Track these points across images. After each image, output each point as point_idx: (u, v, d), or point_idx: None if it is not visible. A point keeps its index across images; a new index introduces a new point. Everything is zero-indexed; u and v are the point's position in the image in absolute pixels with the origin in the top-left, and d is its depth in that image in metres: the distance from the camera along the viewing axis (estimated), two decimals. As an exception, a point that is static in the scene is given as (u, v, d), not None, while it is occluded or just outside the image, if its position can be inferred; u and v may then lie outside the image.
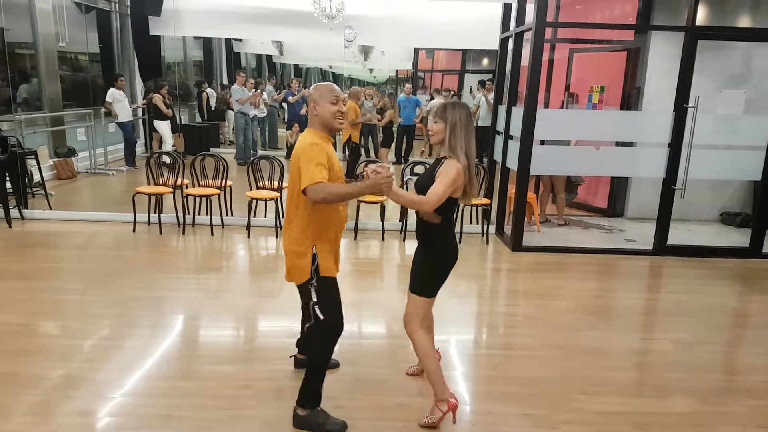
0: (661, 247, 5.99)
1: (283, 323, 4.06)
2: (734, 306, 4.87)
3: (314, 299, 2.71)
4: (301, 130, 11.60)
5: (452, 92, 11.62)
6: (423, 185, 2.77)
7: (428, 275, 2.85)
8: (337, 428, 2.79)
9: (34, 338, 3.72)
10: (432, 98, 12.38)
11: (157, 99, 9.82)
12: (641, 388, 3.43)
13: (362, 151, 10.35)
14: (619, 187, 7.70)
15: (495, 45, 7.14)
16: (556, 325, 4.22)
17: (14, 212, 6.42)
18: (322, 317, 2.71)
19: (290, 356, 3.39)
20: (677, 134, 5.72)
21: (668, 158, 5.80)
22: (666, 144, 5.80)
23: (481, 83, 12.08)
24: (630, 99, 7.51)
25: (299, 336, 3.35)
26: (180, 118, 10.35)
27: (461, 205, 5.00)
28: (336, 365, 3.40)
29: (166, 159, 6.81)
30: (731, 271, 5.65)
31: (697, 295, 4.98)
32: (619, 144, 6.62)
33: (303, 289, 2.78)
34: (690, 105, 5.62)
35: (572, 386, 3.34)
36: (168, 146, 9.89)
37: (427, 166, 2.97)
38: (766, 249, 6.04)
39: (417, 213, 2.88)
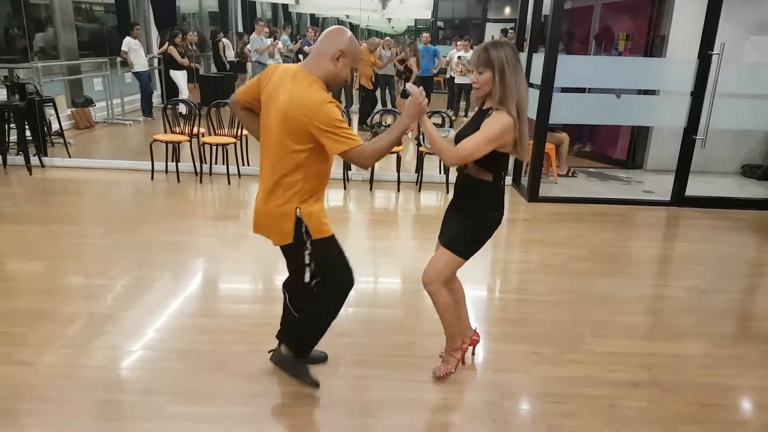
0: (679, 198, 5.93)
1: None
2: (750, 256, 4.84)
3: (311, 265, 2.45)
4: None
5: (469, 38, 11.32)
6: (463, 136, 2.42)
7: (471, 236, 2.56)
8: (311, 381, 2.65)
9: (61, 278, 3.84)
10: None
11: (172, 50, 9.76)
12: (651, 332, 3.47)
13: (377, 99, 10.25)
14: (639, 139, 7.57)
15: (515, -9, 6.94)
16: (570, 272, 4.24)
17: (34, 160, 6.52)
18: (326, 279, 2.49)
19: (269, 351, 2.82)
20: (700, 82, 5.57)
21: (690, 107, 5.67)
22: (689, 92, 5.67)
23: (504, 32, 11.80)
24: (654, 47, 7.30)
25: (279, 327, 2.88)
26: (195, 68, 10.29)
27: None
28: (324, 358, 2.95)
29: (183, 109, 6.83)
30: (749, 222, 5.59)
31: (712, 245, 4.95)
32: (641, 92, 6.48)
33: (291, 254, 2.51)
34: (715, 52, 5.45)
35: (582, 329, 3.39)
36: (184, 96, 9.89)
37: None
38: (786, 201, 5.95)
39: (463, 171, 2.56)
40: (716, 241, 5.04)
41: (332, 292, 2.55)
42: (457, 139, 2.48)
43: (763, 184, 6.50)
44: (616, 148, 8.09)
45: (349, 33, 2.36)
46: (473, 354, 3.00)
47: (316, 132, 2.22)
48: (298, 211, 2.37)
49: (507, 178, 6.46)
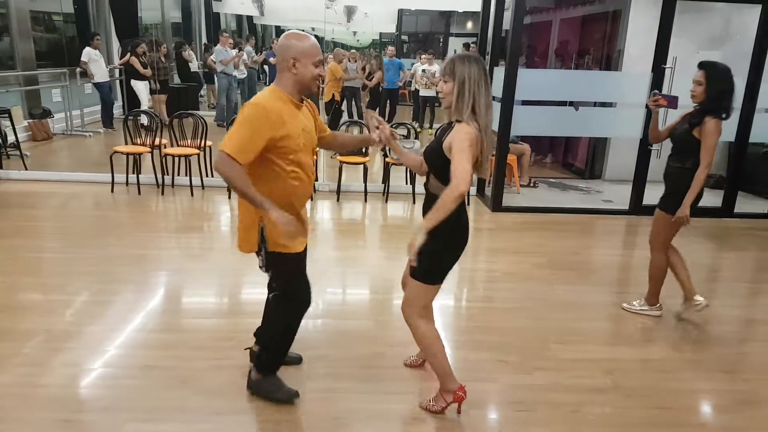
0: (637, 207, 6.10)
1: (264, 280, 4.08)
2: (706, 262, 5.01)
3: (270, 274, 2.50)
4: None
5: (432, 52, 11.48)
6: (429, 149, 2.45)
7: (436, 259, 2.42)
8: (286, 397, 2.64)
9: (17, 294, 3.71)
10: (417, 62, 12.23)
11: (134, 60, 9.62)
12: (613, 337, 3.55)
13: (344, 113, 10.28)
14: (597, 149, 7.78)
15: (478, 7, 7.07)
16: (533, 280, 4.31)
17: (-11, 173, 6.32)
18: (280, 293, 2.53)
19: (245, 348, 2.92)
20: (656, 95, 5.76)
21: (645, 118, 5.86)
22: (644, 104, 5.85)
23: (466, 46, 12.00)
24: (611, 61, 7.53)
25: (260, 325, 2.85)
26: (155, 80, 10.17)
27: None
28: (298, 360, 2.99)
29: (144, 120, 6.72)
30: (704, 230, 5.79)
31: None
32: (598, 105, 6.68)
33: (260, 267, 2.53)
34: (668, 66, 5.66)
35: (547, 336, 3.44)
36: (144, 105, 9.73)
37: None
38: (738, 209, 6.19)
39: (427, 187, 2.50)
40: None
41: (286, 308, 2.57)
42: (426, 155, 2.48)
43: (717, 192, 6.73)
44: (576, 158, 8.30)
45: (294, 33, 2.33)
46: (459, 413, 2.66)
47: None
48: (261, 221, 2.37)
49: (471, 188, 6.58)
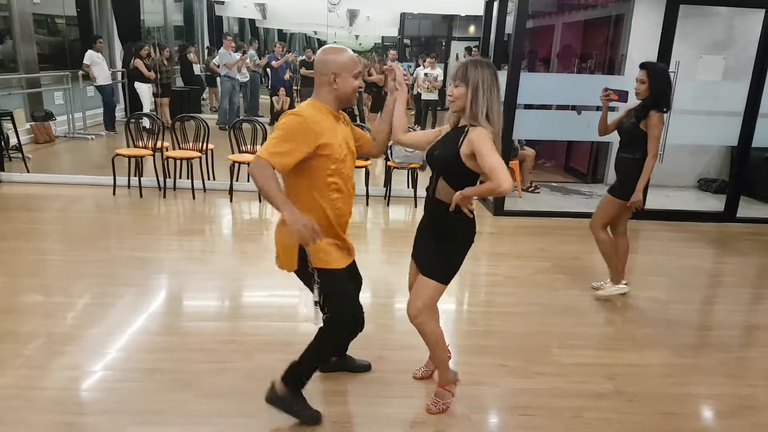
0: (639, 212, 6.07)
1: (266, 283, 4.09)
2: (708, 267, 5.01)
3: (315, 297, 2.40)
4: (287, 94, 11.48)
5: (435, 55, 11.48)
6: (443, 156, 2.40)
7: (447, 259, 2.51)
8: (310, 418, 2.57)
9: (19, 296, 3.71)
10: (418, 65, 12.23)
11: (138, 62, 9.64)
12: (615, 342, 3.54)
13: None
14: (599, 153, 7.77)
15: (480, 11, 7.09)
16: (535, 284, 4.30)
17: (-8, 175, 6.33)
18: (329, 315, 2.41)
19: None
20: (658, 99, 5.76)
21: (648, 123, 5.85)
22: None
23: (468, 50, 12.01)
24: (614, 65, 7.54)
25: None
26: (158, 83, 10.21)
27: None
28: (368, 367, 3.01)
29: (146, 123, 6.73)
30: (706, 234, 5.78)
31: (672, 256, 5.10)
32: (599, 109, 6.66)
33: (305, 279, 2.47)
34: (671, 70, 5.64)
35: (548, 341, 3.43)
36: (147, 108, 9.76)
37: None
38: (740, 213, 6.18)
39: (428, 191, 2.53)
40: (675, 253, 5.19)
41: (336, 329, 2.47)
42: (428, 156, 2.49)
43: (719, 197, 6.73)
44: (578, 162, 8.29)
45: (331, 48, 2.34)
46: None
47: None
48: None
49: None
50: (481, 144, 2.27)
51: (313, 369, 2.55)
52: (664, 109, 3.71)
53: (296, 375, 2.51)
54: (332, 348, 2.56)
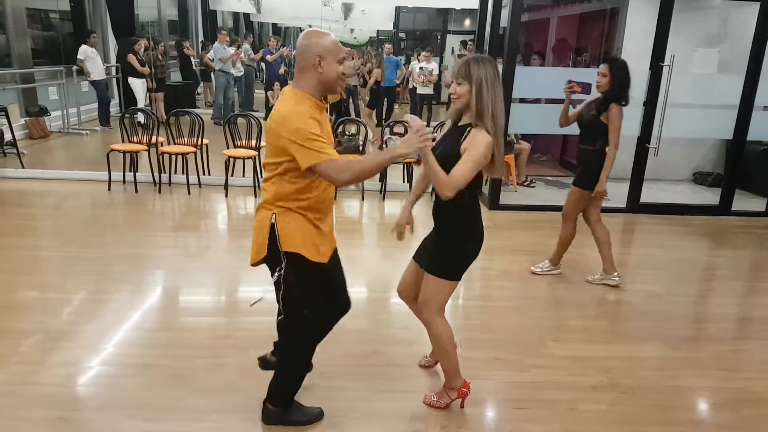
0: (635, 205, 6.11)
1: (261, 278, 4.08)
2: (703, 260, 5.03)
3: (282, 287, 2.28)
4: (281, 89, 11.42)
5: (430, 49, 11.45)
6: (445, 156, 2.33)
7: (455, 256, 2.49)
8: (312, 419, 2.54)
9: (14, 293, 3.70)
10: (410, 59, 12.21)
11: (131, 57, 9.60)
12: (610, 335, 3.56)
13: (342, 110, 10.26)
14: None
15: (475, 4, 7.06)
16: (530, 278, 4.32)
17: (-14, 171, 6.30)
18: (293, 311, 2.32)
19: (258, 357, 2.88)
20: (652, 93, 5.78)
21: (643, 116, 5.86)
22: (641, 102, 5.86)
23: (463, 43, 11.98)
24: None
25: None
26: (152, 78, 10.17)
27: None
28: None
29: (140, 117, 6.70)
30: (701, 228, 5.80)
31: (667, 250, 5.12)
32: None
33: (272, 272, 2.32)
34: (665, 63, 5.66)
35: (543, 334, 3.45)
36: (141, 103, 9.72)
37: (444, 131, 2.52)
38: (735, 207, 6.20)
39: (435, 193, 2.48)
40: (670, 246, 5.21)
41: (297, 332, 2.40)
42: (437, 155, 2.41)
43: (714, 190, 6.75)
44: (573, 156, 8.29)
45: (314, 31, 2.23)
46: (462, 407, 2.70)
47: (287, 145, 2.10)
48: (273, 216, 2.23)
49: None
50: (472, 148, 2.29)
51: (294, 384, 2.49)
52: (623, 103, 3.87)
53: (278, 394, 2.49)
54: (297, 354, 2.41)
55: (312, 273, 2.32)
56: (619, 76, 3.84)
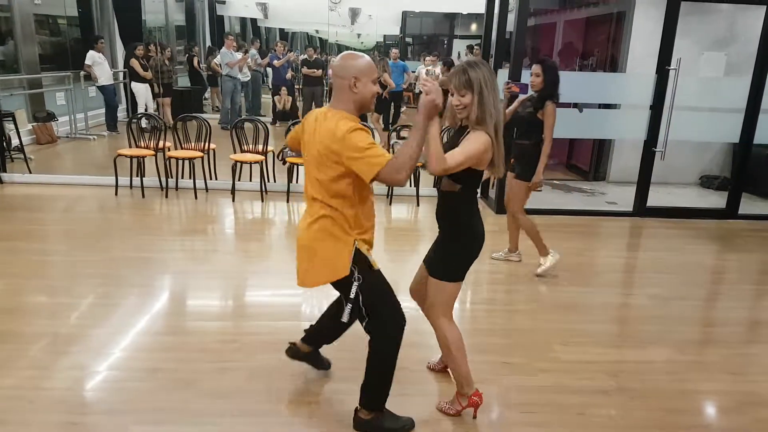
0: (641, 209, 6.09)
1: (269, 283, 4.10)
2: (710, 264, 5.00)
3: (361, 300, 2.38)
4: (288, 94, 11.47)
5: (437, 54, 11.47)
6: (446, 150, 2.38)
7: (456, 258, 2.52)
8: (406, 425, 2.57)
9: (23, 297, 3.72)
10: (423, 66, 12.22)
11: (134, 62, 9.66)
12: (618, 339, 3.54)
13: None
14: (602, 151, 7.77)
15: (482, 9, 7.07)
16: (537, 282, 4.31)
17: (-6, 176, 6.35)
18: (378, 317, 2.41)
19: (290, 342, 2.91)
20: (659, 96, 5.76)
21: (650, 120, 5.85)
22: (648, 106, 5.85)
23: (470, 48, 11.99)
24: (615, 62, 7.53)
25: (314, 323, 2.87)
26: (159, 83, 10.23)
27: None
28: (328, 366, 2.99)
29: (145, 123, 6.74)
30: (708, 231, 5.78)
31: (674, 253, 5.09)
32: (602, 106, 6.67)
33: (343, 288, 2.42)
34: (672, 67, 5.65)
35: (551, 338, 3.43)
36: (141, 109, 9.77)
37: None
38: (742, 210, 6.17)
39: (439, 188, 2.55)
40: (678, 250, 5.19)
41: (383, 331, 2.45)
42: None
43: (721, 194, 6.72)
44: (579, 160, 8.29)
45: (350, 54, 2.33)
46: (474, 417, 2.67)
47: (349, 162, 2.18)
48: (355, 242, 2.35)
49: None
50: (469, 143, 2.33)
51: (387, 381, 2.48)
52: (555, 100, 4.15)
53: (373, 394, 2.50)
54: (391, 349, 2.45)
55: (381, 274, 2.47)
56: (551, 75, 4.10)
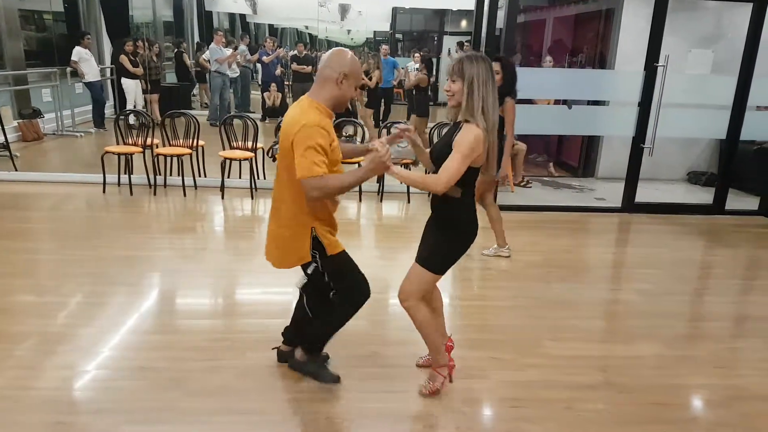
0: (630, 205, 6.13)
1: (259, 281, 4.09)
2: (698, 259, 5.05)
3: (331, 284, 2.59)
4: (278, 90, 11.41)
5: (428, 50, 11.46)
6: (439, 152, 2.46)
7: (444, 252, 2.57)
8: (330, 379, 2.80)
9: (10, 296, 3.68)
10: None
11: (123, 58, 9.58)
12: (606, 334, 3.57)
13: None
14: (591, 147, 7.81)
15: (472, 5, 7.08)
16: (527, 278, 4.33)
17: (-20, 174, 6.27)
18: (343, 290, 2.61)
19: (273, 348, 3.02)
20: (647, 93, 5.80)
21: (638, 117, 5.89)
22: (636, 103, 5.88)
23: (460, 45, 11.98)
24: (604, 60, 7.56)
25: (288, 324, 2.99)
26: (146, 79, 10.16)
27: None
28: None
29: (133, 120, 6.68)
30: (696, 226, 5.83)
31: (662, 249, 5.14)
32: (591, 103, 6.71)
33: (305, 267, 2.60)
34: (660, 64, 5.68)
35: (540, 334, 3.45)
36: (131, 105, 9.69)
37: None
38: (729, 206, 6.23)
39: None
40: (666, 246, 5.23)
41: (351, 302, 2.64)
42: (434, 155, 2.54)
43: (708, 190, 6.78)
44: (569, 156, 8.32)
45: (350, 53, 2.43)
46: (450, 381, 2.85)
47: (294, 150, 2.29)
48: (312, 230, 2.48)
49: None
50: (460, 144, 2.35)
51: (332, 333, 2.71)
52: (514, 96, 4.30)
53: (313, 339, 2.75)
54: (346, 318, 2.66)
55: (346, 253, 2.63)
56: (509, 72, 4.22)
